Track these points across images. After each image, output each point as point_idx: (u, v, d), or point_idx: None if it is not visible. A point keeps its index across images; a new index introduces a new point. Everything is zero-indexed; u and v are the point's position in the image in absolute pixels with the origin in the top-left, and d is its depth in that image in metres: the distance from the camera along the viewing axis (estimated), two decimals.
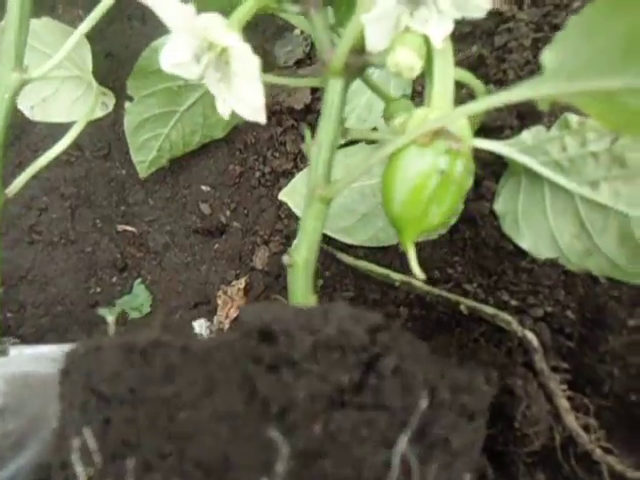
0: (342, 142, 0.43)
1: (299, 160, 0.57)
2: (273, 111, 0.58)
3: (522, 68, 0.40)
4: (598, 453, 0.33)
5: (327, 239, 0.50)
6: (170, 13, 0.27)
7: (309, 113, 0.57)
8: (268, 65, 0.61)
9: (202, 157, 0.61)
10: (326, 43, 0.31)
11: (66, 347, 0.54)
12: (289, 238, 0.56)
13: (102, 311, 0.49)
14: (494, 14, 0.42)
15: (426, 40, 0.28)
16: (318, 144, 0.31)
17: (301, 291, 0.31)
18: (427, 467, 0.23)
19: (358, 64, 0.31)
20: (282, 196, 0.51)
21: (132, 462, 0.22)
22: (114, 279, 0.60)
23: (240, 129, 0.59)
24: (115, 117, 0.63)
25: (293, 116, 0.57)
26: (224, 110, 0.31)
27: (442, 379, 0.24)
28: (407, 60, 0.27)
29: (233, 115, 0.58)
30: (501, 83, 0.41)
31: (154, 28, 0.66)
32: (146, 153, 0.56)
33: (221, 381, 0.21)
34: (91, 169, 0.62)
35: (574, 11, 0.38)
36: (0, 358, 0.35)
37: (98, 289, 0.60)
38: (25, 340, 0.59)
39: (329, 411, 0.22)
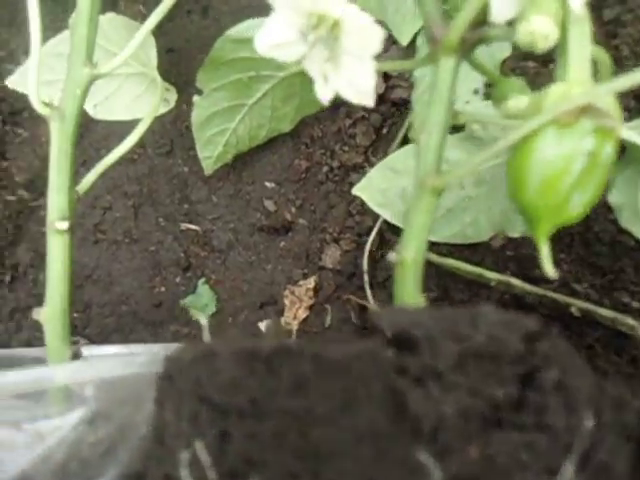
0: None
1: (370, 154, 0.54)
2: (340, 102, 0.56)
3: (638, 43, 0.36)
4: None
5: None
6: None
7: (382, 103, 0.54)
8: None
9: (266, 152, 0.59)
10: (437, 17, 0.28)
11: (132, 347, 0.53)
12: (361, 235, 0.53)
13: (195, 313, 0.48)
14: None
15: (562, 4, 0.25)
16: (428, 129, 0.28)
17: (410, 292, 0.28)
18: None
19: (474, 39, 0.28)
20: (356, 191, 0.49)
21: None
22: (178, 279, 0.59)
23: (307, 122, 0.57)
24: (177, 114, 0.62)
25: (363, 107, 0.54)
26: (325, 93, 0.28)
27: (604, 396, 0.21)
28: (543, 28, 0.24)
29: (301, 107, 0.56)
30: (615, 61, 0.36)
31: (214, 22, 0.65)
32: (212, 149, 0.54)
33: (361, 395, 0.19)
34: (154, 167, 0.61)
35: None
36: (90, 362, 0.34)
37: (162, 289, 0.59)
38: (91, 340, 0.59)
39: (485, 431, 0.19)
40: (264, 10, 0.60)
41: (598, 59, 0.30)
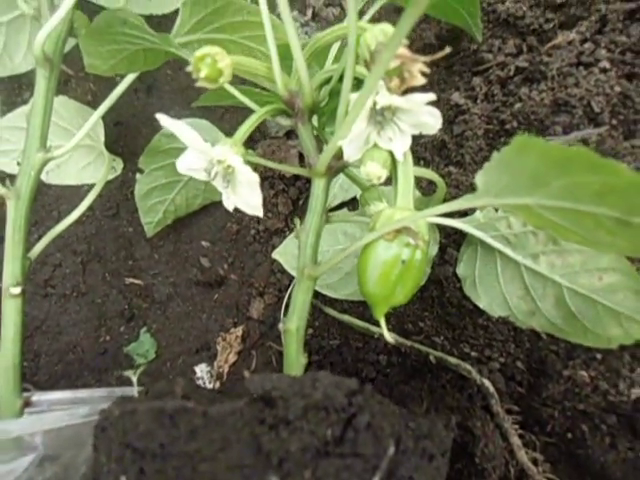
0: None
1: (289, 220, 0.64)
2: (266, 176, 0.66)
3: (476, 154, 0.48)
4: None
5: (316, 294, 0.57)
6: (187, 138, 0.34)
7: (298, 179, 0.64)
8: (262, 135, 0.68)
9: (202, 216, 0.67)
10: (312, 150, 0.38)
11: (78, 392, 0.59)
12: (282, 290, 0.62)
13: (127, 372, 0.55)
14: (453, 106, 0.50)
15: (391, 153, 0.35)
16: (306, 231, 0.38)
17: (294, 352, 0.37)
18: None
19: (338, 166, 0.38)
20: (275, 255, 0.58)
21: None
22: (122, 328, 0.66)
23: None
24: (123, 180, 0.70)
25: (284, 181, 0.64)
26: (229, 205, 0.38)
27: (406, 429, 0.31)
28: (375, 171, 0.34)
29: None
30: (460, 165, 0.48)
31: (158, 99, 0.74)
32: (153, 215, 0.63)
33: (234, 439, 0.28)
34: (101, 227, 0.69)
35: (517, 111, 0.46)
36: (39, 414, 0.41)
37: (107, 337, 0.66)
38: (40, 387, 0.64)
39: (316, 460, 0.28)
40: (203, 92, 0.69)
41: (432, 179, 0.41)
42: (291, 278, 0.60)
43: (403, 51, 0.30)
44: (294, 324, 0.37)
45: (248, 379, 0.29)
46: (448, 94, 0.50)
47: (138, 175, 0.61)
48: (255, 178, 0.33)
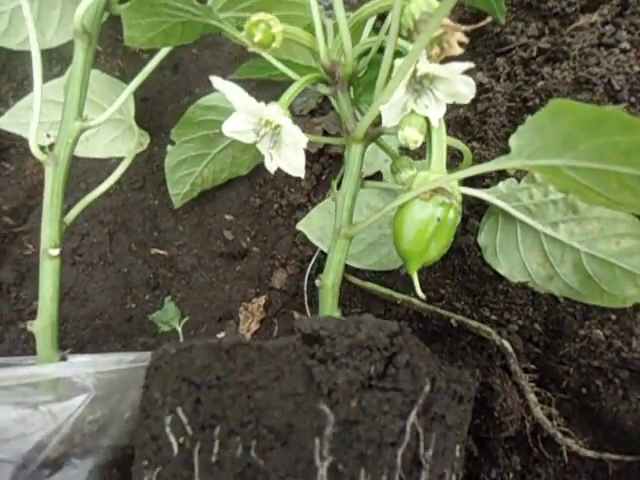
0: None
1: (312, 195, 0.67)
2: None
3: (499, 130, 0.50)
4: (559, 436, 0.42)
5: None
6: (238, 100, 0.36)
7: (322, 155, 0.66)
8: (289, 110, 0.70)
9: (226, 190, 0.70)
10: (350, 117, 0.41)
11: (107, 356, 0.61)
12: (304, 262, 0.65)
13: (162, 326, 0.57)
14: (477, 85, 0.52)
15: (426, 119, 0.38)
16: (342, 194, 0.41)
17: (330, 306, 0.40)
18: (429, 435, 0.32)
19: (374, 133, 0.41)
20: (299, 226, 0.60)
21: (219, 430, 0.31)
22: (147, 296, 0.68)
23: (261, 167, 0.69)
24: (149, 154, 0.72)
25: (308, 158, 0.66)
26: (271, 167, 0.40)
27: (440, 371, 0.33)
28: (412, 136, 0.37)
29: (256, 156, 0.68)
30: (483, 140, 0.51)
31: (183, 77, 0.76)
32: (181, 187, 0.65)
33: (287, 370, 0.30)
34: (127, 199, 0.71)
35: (539, 88, 0.48)
36: (91, 359, 0.43)
37: (133, 305, 0.68)
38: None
39: (361, 392, 0.30)
40: (227, 71, 0.71)
41: (459, 148, 0.43)
42: (313, 250, 0.63)
43: (447, 21, 0.32)
44: (330, 280, 0.40)
45: (298, 319, 0.32)
46: (472, 74, 0.52)
47: (169, 147, 0.64)
48: (303, 138, 0.36)
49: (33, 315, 0.66)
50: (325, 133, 0.67)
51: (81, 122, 0.57)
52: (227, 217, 0.69)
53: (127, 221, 0.70)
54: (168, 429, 0.33)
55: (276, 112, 0.36)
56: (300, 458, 0.29)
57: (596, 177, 0.32)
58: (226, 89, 0.36)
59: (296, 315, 0.39)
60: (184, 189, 0.65)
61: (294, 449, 0.29)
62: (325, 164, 0.66)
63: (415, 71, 0.35)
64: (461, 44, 0.35)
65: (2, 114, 0.68)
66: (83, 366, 0.39)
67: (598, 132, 0.30)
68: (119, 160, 0.69)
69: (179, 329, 0.63)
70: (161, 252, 0.69)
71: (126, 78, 0.70)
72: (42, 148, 0.57)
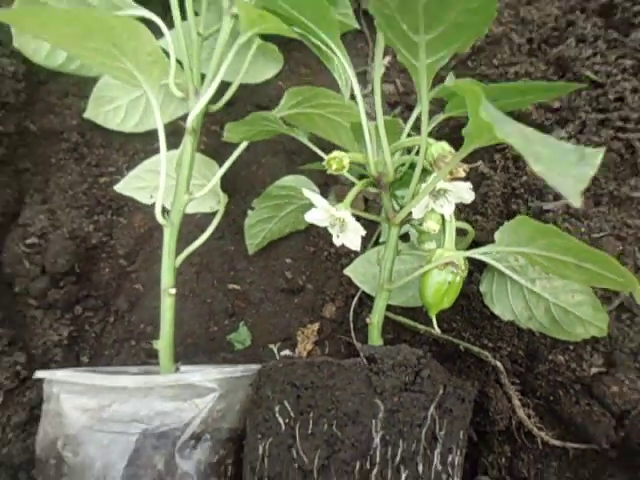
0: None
1: None
2: None
3: (495, 208, 0.69)
4: (535, 431, 0.61)
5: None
6: (319, 203, 0.56)
7: (362, 218, 0.86)
8: (334, 180, 0.91)
9: (288, 240, 0.90)
10: (390, 209, 0.61)
11: (225, 367, 0.79)
12: (348, 298, 0.84)
13: (271, 347, 0.78)
14: (479, 174, 0.72)
15: (442, 215, 0.58)
16: (385, 260, 0.61)
17: (376, 337, 0.59)
18: (442, 422, 0.51)
19: (407, 220, 0.61)
20: (346, 272, 0.80)
21: (312, 414, 0.50)
22: (226, 322, 0.88)
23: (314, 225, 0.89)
24: (227, 210, 0.92)
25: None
26: (337, 242, 0.60)
27: (449, 381, 0.53)
28: (432, 226, 0.57)
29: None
30: (484, 215, 0.70)
31: (253, 151, 0.98)
32: (255, 239, 0.86)
33: (355, 378, 0.50)
34: (210, 245, 0.92)
35: (523, 181, 0.67)
36: (215, 368, 0.63)
37: (215, 328, 0.88)
38: None
39: (400, 392, 0.50)
40: (287, 146, 0.91)
41: (468, 230, 0.62)
42: (356, 289, 0.82)
43: (457, 161, 0.52)
44: (376, 319, 0.60)
45: (361, 347, 0.51)
46: (476, 165, 0.72)
47: (249, 211, 0.85)
48: (361, 229, 0.56)
49: (142, 335, 0.88)
50: (365, 199, 0.87)
51: (188, 195, 0.78)
52: (287, 260, 0.90)
53: (210, 263, 0.91)
54: (277, 414, 0.52)
55: (343, 212, 0.56)
56: (363, 431, 0.49)
57: (550, 260, 0.52)
58: (312, 196, 0.56)
59: (358, 345, 0.57)
60: (257, 240, 0.86)
61: (359, 426, 0.49)
62: (365, 225, 0.86)
63: (434, 187, 0.55)
64: (465, 171, 0.54)
65: (118, 181, 0.90)
66: (211, 374, 0.59)
67: (545, 235, 0.49)
68: (203, 215, 0.90)
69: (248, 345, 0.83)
70: (236, 287, 0.90)
71: (208, 151, 0.92)
72: (163, 212, 0.78)
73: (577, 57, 0.71)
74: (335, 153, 0.55)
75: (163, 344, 0.73)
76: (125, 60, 0.62)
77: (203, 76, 0.76)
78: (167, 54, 0.69)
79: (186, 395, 0.58)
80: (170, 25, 0.73)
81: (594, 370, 0.57)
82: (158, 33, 0.66)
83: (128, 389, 0.56)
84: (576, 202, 0.27)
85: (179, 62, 0.74)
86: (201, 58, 0.77)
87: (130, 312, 0.88)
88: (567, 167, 0.29)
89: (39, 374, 0.59)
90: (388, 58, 0.95)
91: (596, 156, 0.30)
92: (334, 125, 0.78)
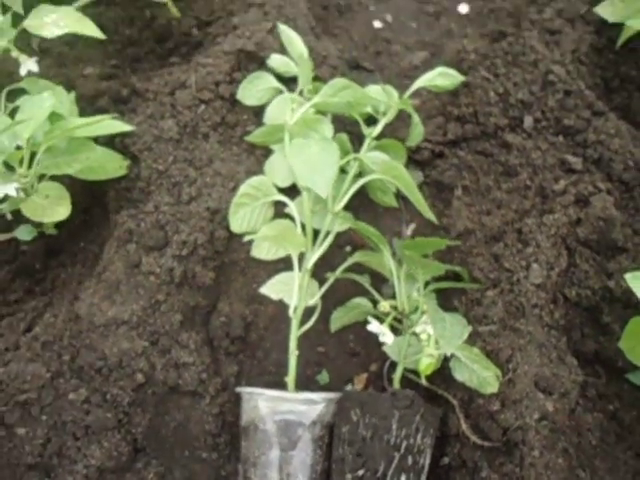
0: None
1: None
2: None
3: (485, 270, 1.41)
4: (471, 434, 1.30)
5: None
6: (376, 330, 1.30)
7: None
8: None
9: (354, 324, 1.62)
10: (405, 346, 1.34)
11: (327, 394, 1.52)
12: (384, 362, 1.54)
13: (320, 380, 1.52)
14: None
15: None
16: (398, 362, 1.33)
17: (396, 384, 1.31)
18: (422, 425, 1.23)
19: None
20: (385, 348, 1.51)
21: (374, 419, 1.23)
22: (315, 368, 1.60)
23: None
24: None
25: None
26: (381, 339, 1.33)
27: (425, 406, 1.24)
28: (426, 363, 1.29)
29: None
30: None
31: None
32: (336, 323, 1.59)
33: (383, 407, 1.23)
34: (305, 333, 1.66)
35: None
36: (321, 393, 1.37)
37: (309, 372, 1.61)
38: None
39: (403, 412, 1.22)
40: None
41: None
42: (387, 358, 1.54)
43: None
44: (397, 376, 1.32)
45: (393, 390, 1.24)
46: None
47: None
48: (392, 336, 1.29)
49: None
50: None
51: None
52: (351, 336, 1.62)
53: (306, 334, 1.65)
54: (352, 415, 1.26)
55: (384, 329, 1.30)
56: (389, 428, 1.21)
57: None
58: (374, 327, 1.30)
59: (389, 388, 1.26)
60: (337, 325, 1.60)
61: (393, 427, 1.22)
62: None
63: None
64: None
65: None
66: (320, 395, 1.33)
67: None
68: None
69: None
70: (322, 349, 1.63)
71: None
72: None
73: None
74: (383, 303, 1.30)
75: (289, 379, 1.47)
76: None
77: None
78: None
79: (310, 404, 1.33)
80: None
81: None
82: None
83: (287, 398, 1.30)
84: None
85: None
86: None
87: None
88: None
89: (247, 390, 1.35)
90: (413, 225, 1.70)
91: None
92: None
